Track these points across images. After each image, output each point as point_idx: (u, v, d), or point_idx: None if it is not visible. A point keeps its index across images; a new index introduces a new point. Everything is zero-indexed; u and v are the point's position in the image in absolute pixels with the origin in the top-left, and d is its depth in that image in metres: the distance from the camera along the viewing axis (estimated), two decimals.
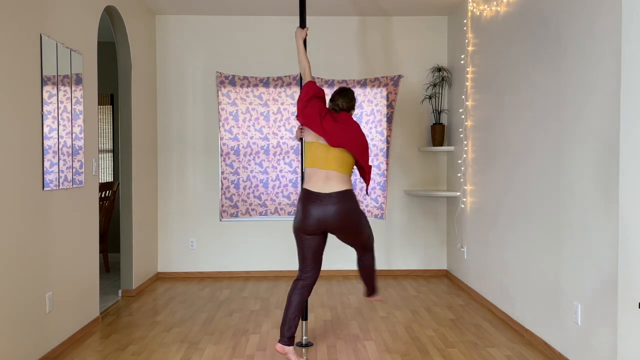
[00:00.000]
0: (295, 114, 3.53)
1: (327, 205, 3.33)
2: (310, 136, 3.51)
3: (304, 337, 3.80)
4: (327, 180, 3.37)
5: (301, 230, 3.42)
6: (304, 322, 3.80)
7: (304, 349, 3.70)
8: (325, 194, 3.35)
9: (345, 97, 3.57)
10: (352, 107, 3.62)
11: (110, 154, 7.30)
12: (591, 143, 3.09)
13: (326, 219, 3.35)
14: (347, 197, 3.38)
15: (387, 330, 4.08)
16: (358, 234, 3.50)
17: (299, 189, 5.66)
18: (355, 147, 3.43)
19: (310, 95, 3.52)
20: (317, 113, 3.44)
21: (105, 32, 6.14)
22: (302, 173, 3.83)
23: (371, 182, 5.88)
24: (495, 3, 4.54)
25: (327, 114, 3.47)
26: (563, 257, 3.41)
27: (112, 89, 7.04)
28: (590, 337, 3.12)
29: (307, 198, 3.38)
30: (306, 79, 3.63)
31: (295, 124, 5.77)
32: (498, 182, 4.49)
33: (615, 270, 2.87)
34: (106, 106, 7.24)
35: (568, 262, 3.35)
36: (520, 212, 4.05)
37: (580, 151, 3.20)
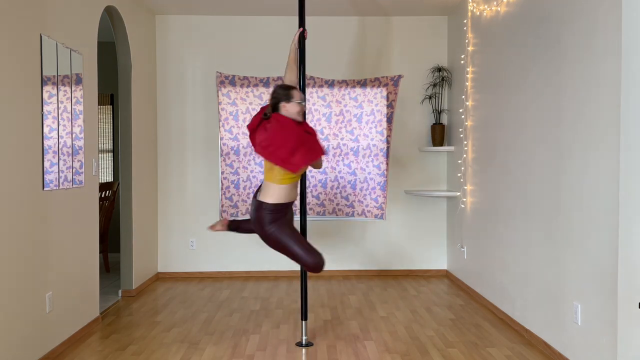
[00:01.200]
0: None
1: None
2: None
3: (304, 337, 3.80)
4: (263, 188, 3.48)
5: None
6: (303, 322, 3.80)
7: (303, 349, 3.70)
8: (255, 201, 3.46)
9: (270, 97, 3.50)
10: (275, 104, 3.42)
11: (110, 154, 7.30)
12: (591, 143, 3.09)
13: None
14: (257, 207, 3.44)
15: (387, 330, 4.08)
16: (277, 247, 3.51)
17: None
18: (261, 149, 3.33)
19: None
20: (252, 129, 3.44)
21: (105, 32, 6.14)
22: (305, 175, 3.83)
23: (371, 181, 5.88)
24: (495, 3, 4.54)
25: (259, 126, 3.41)
26: (563, 257, 3.41)
27: (112, 89, 7.04)
28: (590, 337, 3.12)
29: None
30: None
31: None
32: (498, 182, 4.49)
33: (615, 271, 2.87)
34: (106, 106, 7.24)
35: (568, 262, 3.35)
36: (521, 212, 4.05)
37: (580, 151, 3.20)
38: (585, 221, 3.15)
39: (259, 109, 3.65)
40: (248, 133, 3.59)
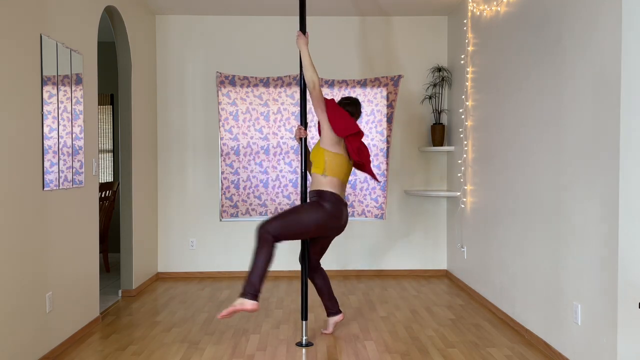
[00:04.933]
0: (316, 123, 3.82)
1: (344, 210, 3.74)
2: (337, 148, 3.70)
3: (304, 337, 3.80)
4: (344, 190, 3.81)
5: (329, 226, 3.69)
6: (304, 322, 3.80)
7: (304, 349, 3.70)
8: (345, 202, 3.77)
9: (359, 107, 3.93)
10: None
11: (110, 154, 7.30)
12: (591, 142, 3.09)
13: (343, 221, 3.75)
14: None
15: (387, 330, 4.08)
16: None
17: (299, 189, 5.65)
18: (368, 161, 3.83)
19: (341, 112, 3.72)
20: (357, 130, 3.72)
21: (105, 32, 6.14)
22: (305, 174, 3.84)
23: (372, 181, 5.88)
24: (495, 3, 4.54)
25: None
26: (563, 257, 3.41)
27: (112, 89, 7.04)
28: (590, 337, 3.12)
29: (341, 202, 3.72)
30: (319, 93, 3.66)
31: (295, 124, 5.77)
32: (498, 182, 4.49)
33: (615, 270, 2.87)
34: (106, 106, 7.24)
35: (568, 262, 3.35)
36: (521, 212, 4.05)
37: (581, 151, 3.20)
38: (586, 221, 3.15)
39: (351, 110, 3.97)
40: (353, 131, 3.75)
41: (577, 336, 3.25)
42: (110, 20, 4.89)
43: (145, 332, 4.05)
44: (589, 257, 3.11)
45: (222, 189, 5.88)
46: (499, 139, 4.46)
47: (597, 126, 3.03)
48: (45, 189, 3.46)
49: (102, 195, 5.81)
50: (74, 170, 3.87)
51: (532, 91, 3.86)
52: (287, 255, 5.95)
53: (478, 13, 4.94)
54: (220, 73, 5.85)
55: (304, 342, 3.79)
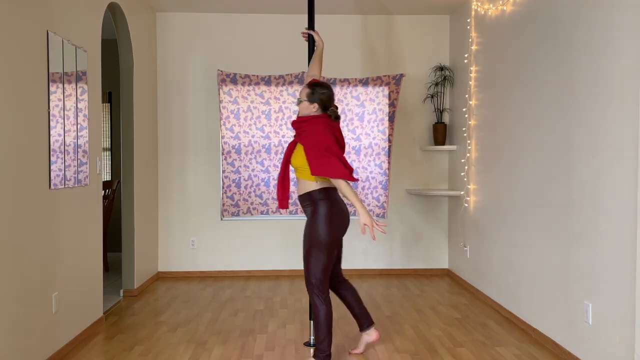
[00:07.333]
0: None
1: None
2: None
3: (312, 337, 3.78)
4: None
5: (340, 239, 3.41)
6: (311, 321, 3.78)
7: (312, 349, 3.68)
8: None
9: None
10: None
11: (108, 152, 7.23)
12: (604, 141, 3.08)
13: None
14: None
15: (393, 330, 4.07)
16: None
17: None
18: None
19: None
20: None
21: (104, 30, 6.07)
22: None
23: (373, 180, 5.88)
24: (501, 2, 4.53)
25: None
26: (573, 255, 3.42)
27: (109, 87, 6.96)
28: (602, 336, 3.12)
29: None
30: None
31: None
32: (503, 181, 4.50)
33: (632, 268, 2.87)
34: (104, 104, 7.16)
35: (578, 262, 3.35)
36: (528, 211, 4.05)
37: (593, 150, 3.20)
38: (599, 219, 3.14)
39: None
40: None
41: (588, 336, 3.26)
42: (113, 18, 4.84)
43: (151, 333, 4.01)
44: (602, 256, 3.12)
45: (223, 187, 5.85)
46: (504, 138, 4.46)
47: (611, 125, 3.02)
48: (51, 188, 3.41)
49: (102, 194, 5.75)
50: (79, 169, 3.82)
51: (539, 90, 3.86)
52: (288, 254, 5.93)
53: (482, 12, 4.94)
54: (221, 71, 5.82)
55: (311, 341, 3.77)
